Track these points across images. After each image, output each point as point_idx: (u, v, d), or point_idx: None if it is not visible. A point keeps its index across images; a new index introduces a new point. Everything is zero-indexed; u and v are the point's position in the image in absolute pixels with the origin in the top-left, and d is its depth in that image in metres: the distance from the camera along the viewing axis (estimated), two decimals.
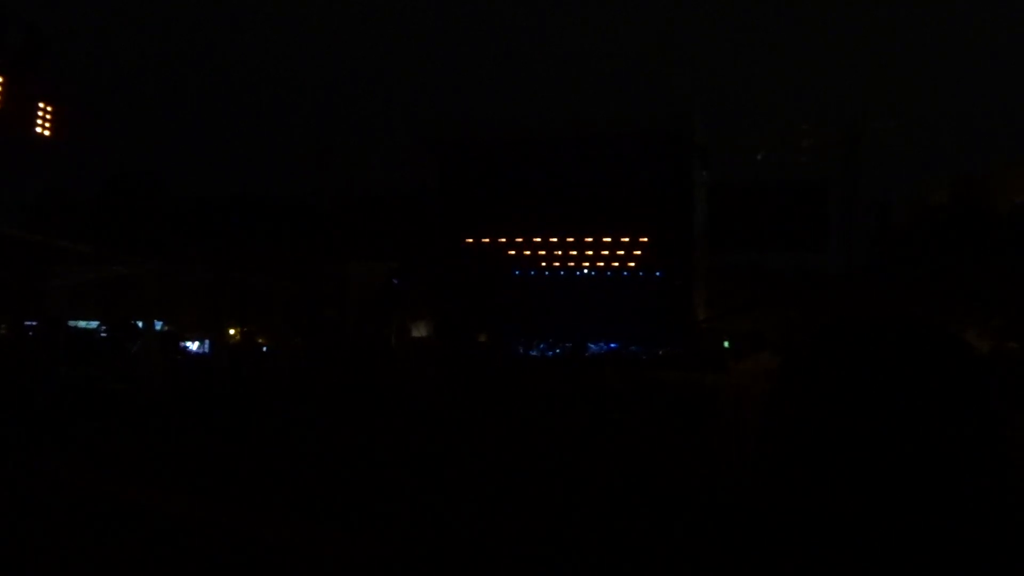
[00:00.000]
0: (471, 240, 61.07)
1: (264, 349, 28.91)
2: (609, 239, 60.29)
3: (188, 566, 6.62)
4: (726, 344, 49.65)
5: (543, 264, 61.89)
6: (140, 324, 22.71)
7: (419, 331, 53.08)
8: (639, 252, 60.12)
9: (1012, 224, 45.02)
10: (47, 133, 17.23)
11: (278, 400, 19.91)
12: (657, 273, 60.28)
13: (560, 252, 61.40)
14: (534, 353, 47.32)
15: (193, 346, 38.30)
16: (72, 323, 28.43)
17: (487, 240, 61.28)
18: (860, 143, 60.62)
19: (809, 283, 47.25)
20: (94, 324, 31.94)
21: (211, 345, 35.98)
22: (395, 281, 55.09)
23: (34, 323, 19.77)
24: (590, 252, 61.19)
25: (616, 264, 61.19)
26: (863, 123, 60.66)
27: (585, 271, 61.91)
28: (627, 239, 60.14)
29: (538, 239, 61.15)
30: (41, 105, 17.30)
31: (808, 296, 42.12)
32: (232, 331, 42.13)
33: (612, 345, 54.17)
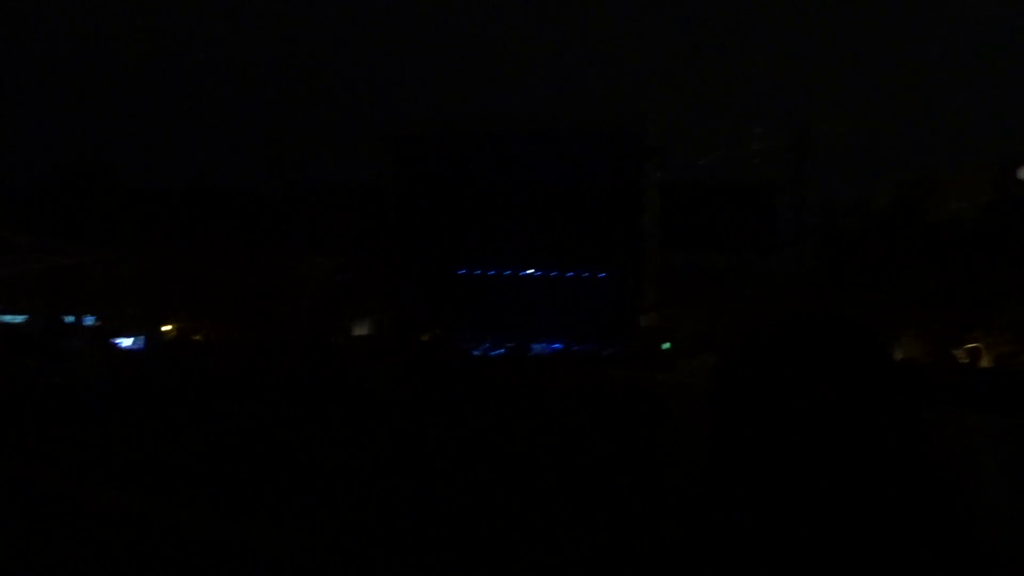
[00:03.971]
0: (419, 237, 60.74)
1: (205, 344, 28.28)
2: (556, 238, 60.44)
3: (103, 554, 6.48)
4: (666, 345, 50.85)
5: (490, 262, 61.76)
6: (70, 319, 22.02)
7: (364, 328, 52.59)
8: (586, 251, 60.45)
9: (951, 230, 46.65)
10: None
11: (217, 396, 19.55)
12: (603, 273, 60.70)
13: (507, 250, 61.33)
14: (478, 352, 47.02)
15: (126, 342, 37.22)
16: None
17: (435, 237, 60.97)
18: (808, 147, 62.04)
19: (756, 284, 48.09)
20: (20, 319, 30.73)
21: (146, 341, 35.08)
22: (343, 277, 54.46)
23: None
24: (538, 251, 61.24)
25: (563, 263, 61.41)
26: (811, 127, 62.15)
27: (532, 270, 61.99)
28: (575, 238, 60.39)
29: (485, 237, 61.00)
30: None
31: (754, 297, 43.05)
32: (168, 327, 41.16)
33: (556, 345, 54.24)
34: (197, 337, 32.19)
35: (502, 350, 49.67)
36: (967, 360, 40.08)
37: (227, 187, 57.65)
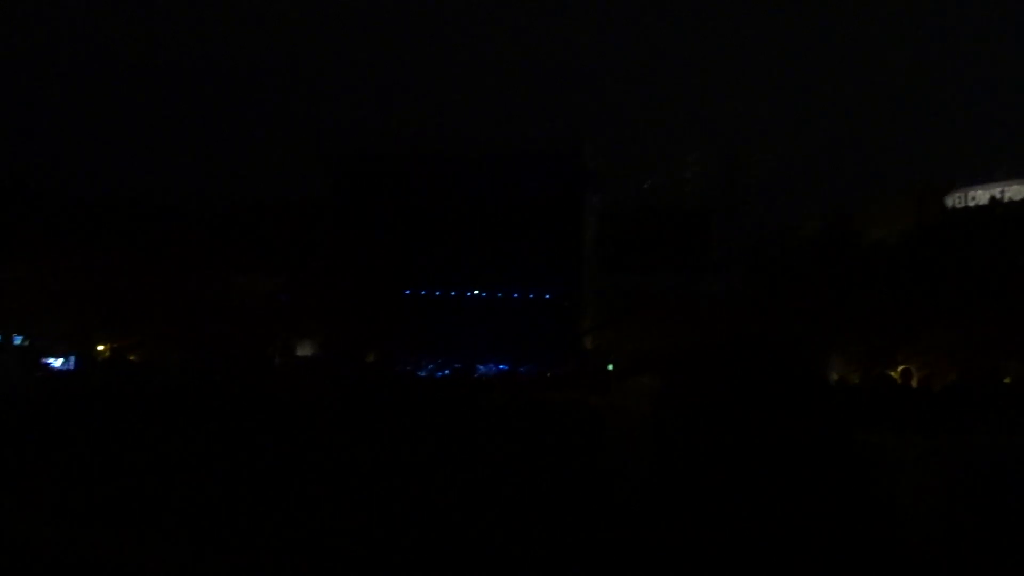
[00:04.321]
0: (365, 257, 60.48)
1: (141, 364, 27.56)
2: (501, 260, 60.74)
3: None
4: (610, 367, 51.43)
5: (436, 284, 61.70)
6: None
7: (305, 349, 51.86)
8: (530, 274, 60.87)
9: (877, 254, 48.46)
10: None
11: (152, 419, 19.10)
12: (547, 295, 61.17)
13: (452, 272, 61.37)
14: (422, 374, 46.96)
15: (56, 362, 35.95)
16: None
17: (381, 258, 60.76)
18: (741, 173, 63.92)
19: (692, 306, 49.05)
20: None
21: (76, 361, 34.01)
22: (284, 296, 53.71)
23: None
24: (482, 273, 61.45)
25: (508, 285, 61.72)
26: (744, 154, 64.07)
27: (477, 292, 62.17)
28: (518, 261, 60.77)
29: (431, 259, 60.92)
30: None
31: (690, 318, 43.93)
32: (101, 347, 40.03)
33: (502, 367, 54.62)
34: (132, 357, 31.34)
35: (447, 371, 49.64)
36: (900, 381, 41.49)
37: (166, 202, 56.51)
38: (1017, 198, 55.96)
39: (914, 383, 41.72)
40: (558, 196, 61.93)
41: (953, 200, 59.97)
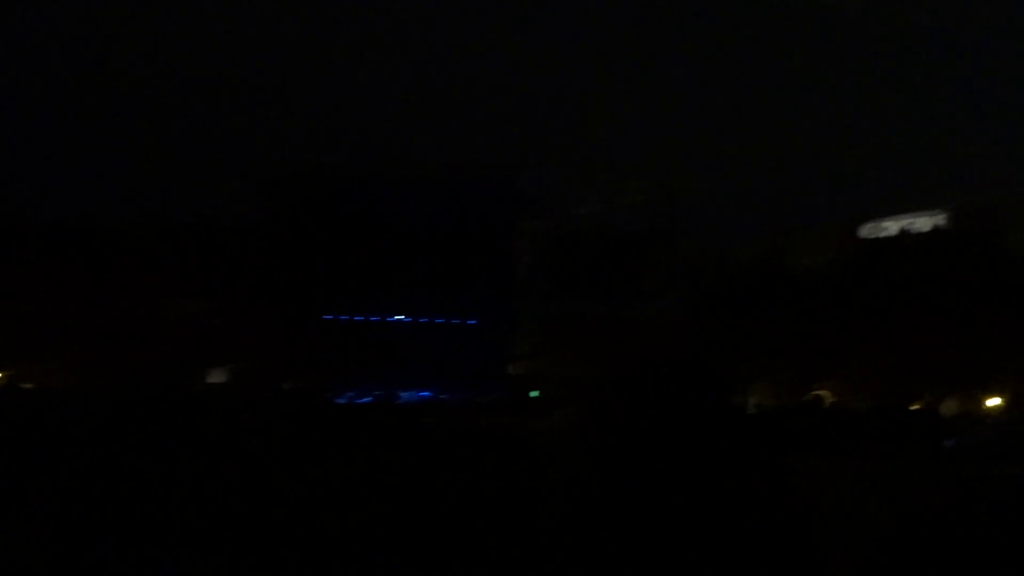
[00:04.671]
0: (285, 279, 59.12)
1: (35, 392, 26.02)
2: (426, 284, 60.16)
3: None
4: (534, 394, 51.44)
5: (358, 308, 60.71)
6: None
7: (221, 376, 50.25)
8: (457, 298, 60.47)
9: (801, 285, 49.95)
10: None
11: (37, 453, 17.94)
12: (473, 320, 60.90)
13: (376, 296, 60.48)
14: (343, 401, 45.62)
15: None
16: None
17: (301, 280, 59.47)
18: (679, 200, 64.98)
19: (624, 332, 49.51)
20: None
21: None
22: (209, 320, 52.11)
23: None
24: (407, 297, 60.75)
25: (433, 310, 61.18)
26: (683, 181, 65.20)
27: (401, 316, 61.40)
28: (445, 285, 60.31)
29: (353, 282, 59.94)
30: None
31: (621, 345, 44.35)
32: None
33: (424, 393, 53.76)
34: (28, 385, 29.55)
35: (369, 398, 48.32)
36: (829, 405, 42.63)
37: (84, 222, 54.22)
38: (925, 229, 58.47)
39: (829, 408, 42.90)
40: (489, 220, 61.80)
41: (867, 231, 62.32)
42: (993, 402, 42.03)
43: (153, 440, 19.25)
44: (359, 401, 46.60)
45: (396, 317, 61.24)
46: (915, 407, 41.53)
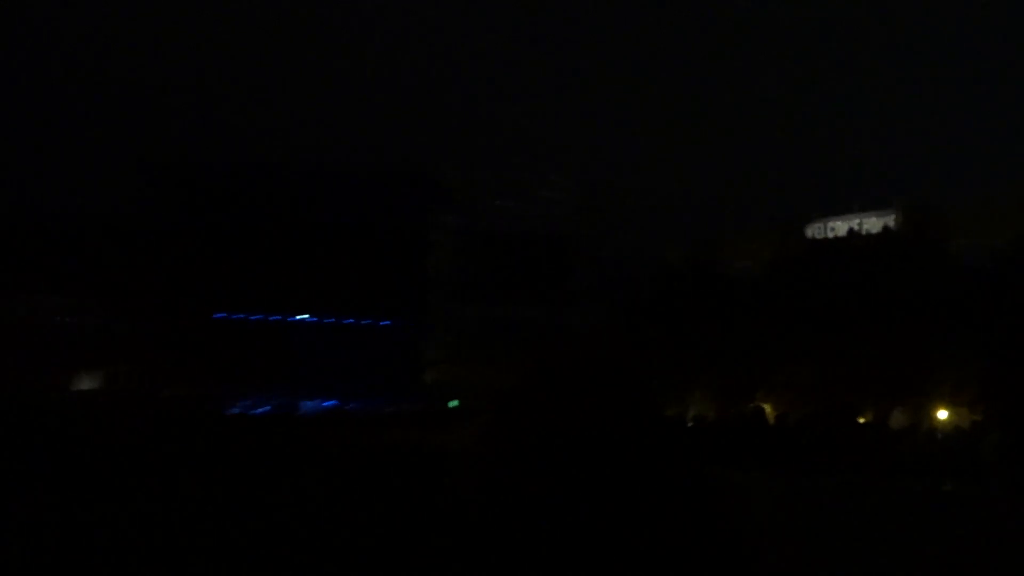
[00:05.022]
0: (170, 273, 57.55)
1: None
2: (335, 282, 59.35)
3: None
4: (453, 403, 51.20)
5: (255, 306, 59.43)
6: None
7: (93, 382, 48.52)
8: (368, 298, 59.83)
9: (737, 289, 50.96)
10: None
11: None
12: (387, 322, 60.35)
13: (276, 293, 59.33)
14: (237, 411, 45.36)
15: None
16: None
17: (189, 275, 57.97)
18: (608, 198, 65.78)
19: (552, 337, 49.75)
20: None
21: None
22: (73, 319, 50.71)
23: None
24: (312, 295, 59.83)
25: (341, 310, 60.39)
26: (611, 182, 66.17)
27: (305, 316, 60.39)
28: (356, 283, 59.60)
29: (251, 277, 58.70)
30: None
31: (549, 352, 44.25)
32: None
33: (330, 403, 53.52)
34: None
35: (267, 408, 48.43)
36: (774, 419, 43.50)
37: None
38: (874, 230, 60.45)
39: (769, 420, 43.87)
40: (405, 214, 61.53)
41: (813, 231, 64.19)
42: (943, 415, 43.53)
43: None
44: (254, 412, 46.35)
45: (299, 317, 60.47)
46: (862, 420, 42.82)
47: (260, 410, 47.52)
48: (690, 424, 42.53)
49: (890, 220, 60.18)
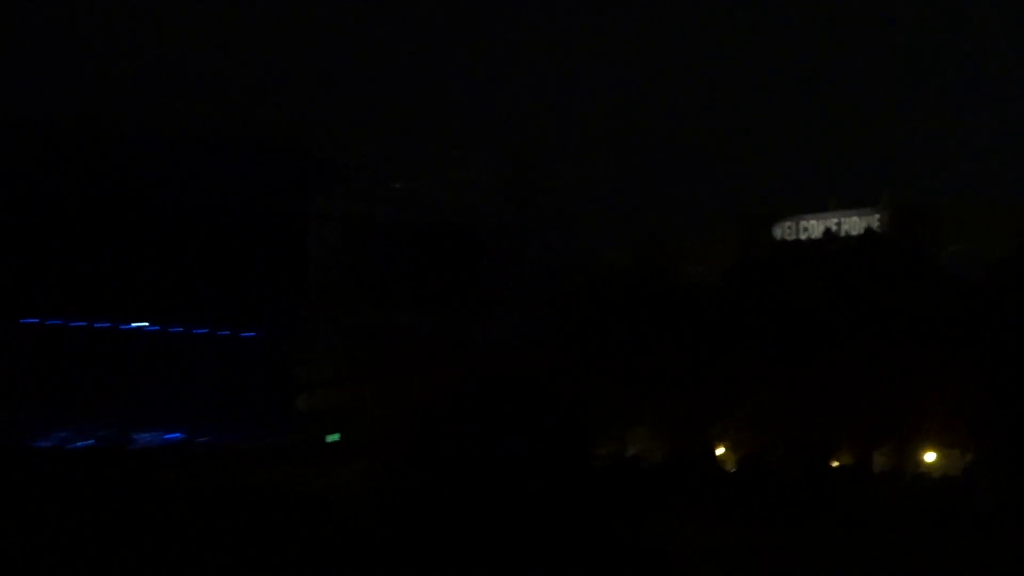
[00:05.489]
0: None
1: None
2: (182, 280, 58.65)
3: None
4: (333, 437, 50.91)
5: (75, 310, 58.37)
6: None
7: None
8: (226, 301, 59.28)
9: (701, 297, 52.03)
10: None
11: None
12: (250, 333, 60.08)
13: (103, 294, 58.30)
14: (48, 444, 45.19)
15: None
16: None
17: None
18: (535, 186, 66.24)
19: (459, 355, 49.84)
20: None
21: None
22: None
23: None
24: (152, 296, 59.01)
25: (191, 316, 59.76)
26: (541, 164, 66.60)
27: (143, 324, 59.57)
28: (210, 281, 58.97)
29: (70, 273, 57.59)
30: None
31: (454, 373, 44.25)
32: None
33: (173, 435, 53.30)
34: None
35: (89, 441, 48.06)
36: (733, 460, 44.42)
37: None
38: (855, 232, 62.55)
39: (728, 461, 44.85)
40: (278, 196, 61.25)
41: (783, 231, 66.14)
42: (931, 457, 45.19)
43: None
44: (73, 446, 45.83)
45: (136, 324, 59.77)
46: (836, 463, 44.10)
47: (80, 444, 47.03)
48: (630, 465, 43.12)
49: (874, 220, 62.35)
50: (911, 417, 44.70)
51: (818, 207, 66.65)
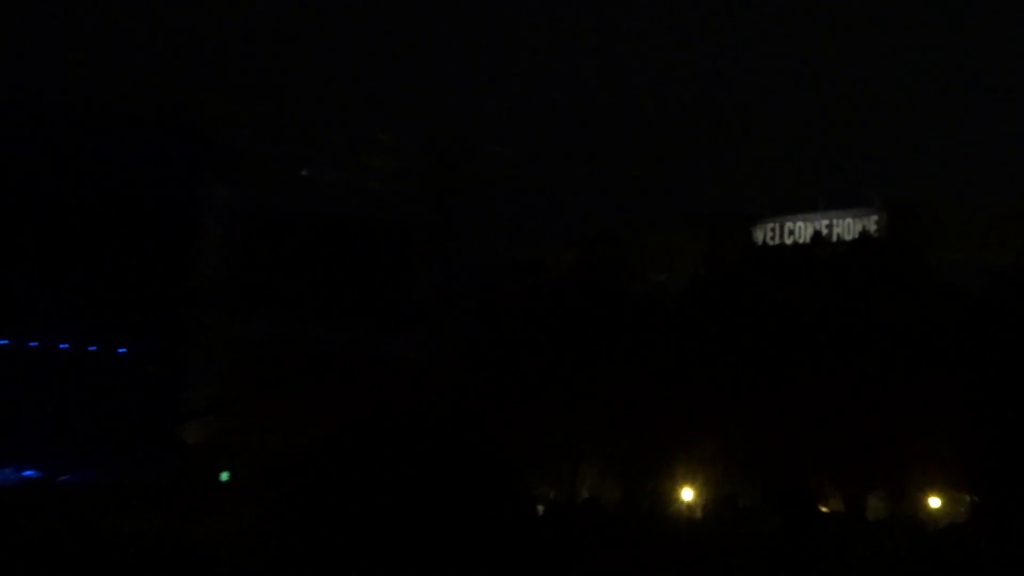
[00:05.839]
0: None
1: None
2: (39, 285, 58.31)
3: None
4: (224, 475, 50.35)
5: None
6: None
7: None
8: (95, 311, 58.83)
9: (653, 311, 52.12)
10: None
11: None
12: (123, 349, 59.87)
13: None
14: None
15: None
16: None
17: None
18: (464, 177, 66.08)
19: (371, 376, 49.66)
20: None
21: None
22: None
23: None
24: (2, 304, 58.50)
25: (51, 330, 59.43)
26: (472, 150, 66.47)
27: None
28: (73, 288, 58.60)
29: None
30: None
31: (363, 396, 44.03)
32: None
33: (28, 473, 53.31)
34: None
35: None
36: (700, 507, 44.40)
37: None
38: (847, 236, 62.98)
39: (693, 508, 44.83)
40: (153, 183, 61.03)
41: (764, 234, 66.34)
42: (936, 503, 45.14)
43: None
44: None
45: None
46: (823, 508, 44.13)
47: None
48: (578, 512, 43.12)
49: (870, 223, 62.80)
50: (912, 453, 44.52)
51: (805, 206, 66.95)
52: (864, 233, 61.27)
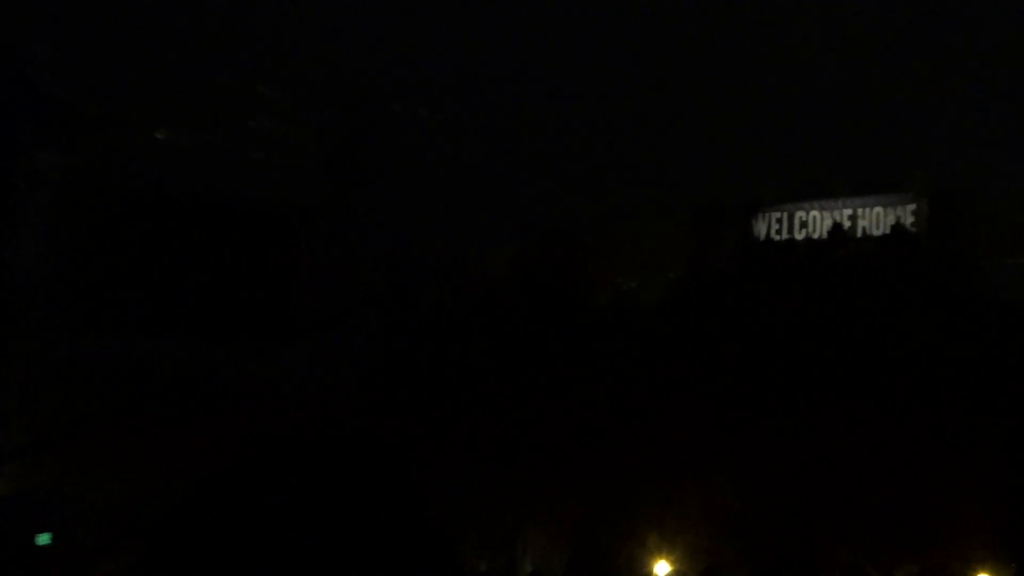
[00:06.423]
0: None
1: None
2: None
3: None
4: (44, 539, 49.83)
5: None
6: None
7: None
8: None
9: (621, 327, 52.28)
10: None
11: None
12: None
13: None
14: None
15: None
16: None
17: None
18: (367, 156, 65.96)
19: (244, 401, 49.56)
20: None
21: None
22: None
23: None
24: None
25: None
26: (376, 123, 66.33)
27: None
28: None
29: None
30: None
31: (238, 430, 43.90)
32: None
33: None
34: None
35: None
36: None
37: None
38: (877, 231, 63.21)
39: None
40: None
41: (768, 226, 66.37)
42: None
43: None
44: None
45: None
46: None
47: None
48: None
49: (905, 214, 63.05)
50: (953, 518, 44.65)
51: (821, 192, 66.95)
52: (898, 227, 61.24)
